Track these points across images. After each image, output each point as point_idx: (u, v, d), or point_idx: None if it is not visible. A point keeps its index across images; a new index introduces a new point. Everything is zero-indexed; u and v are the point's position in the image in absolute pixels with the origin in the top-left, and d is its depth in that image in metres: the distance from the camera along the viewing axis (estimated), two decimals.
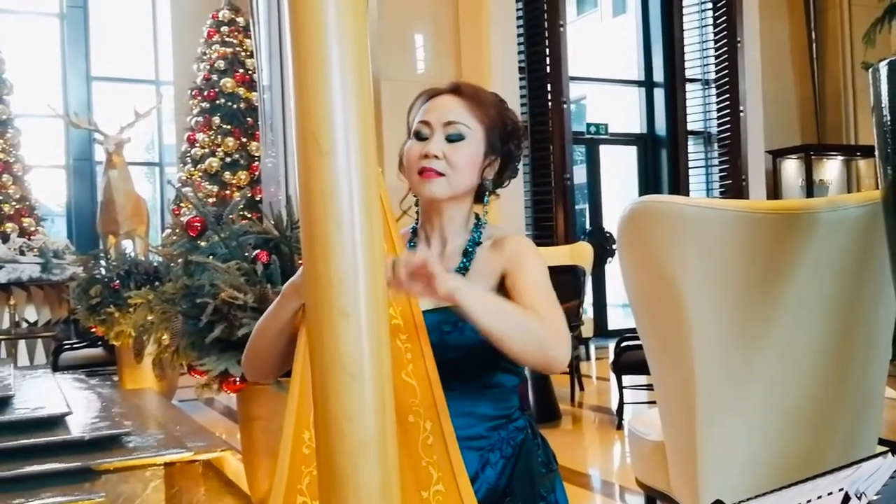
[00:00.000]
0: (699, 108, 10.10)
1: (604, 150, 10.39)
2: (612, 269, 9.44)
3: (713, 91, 10.01)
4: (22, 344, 7.30)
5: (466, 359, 1.44)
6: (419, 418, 1.31)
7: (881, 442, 2.26)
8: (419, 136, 1.49)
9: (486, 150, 1.51)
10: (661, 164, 10.17)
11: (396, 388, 0.86)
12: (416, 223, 1.59)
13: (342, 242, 0.77)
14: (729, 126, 9.81)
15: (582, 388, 6.19)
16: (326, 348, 0.77)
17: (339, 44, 0.78)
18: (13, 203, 8.32)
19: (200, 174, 8.81)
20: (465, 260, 1.50)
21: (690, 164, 9.99)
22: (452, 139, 1.47)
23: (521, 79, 8.72)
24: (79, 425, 2.78)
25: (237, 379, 2.58)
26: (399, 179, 1.56)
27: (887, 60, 1.61)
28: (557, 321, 1.38)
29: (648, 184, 10.20)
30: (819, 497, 1.11)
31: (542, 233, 8.77)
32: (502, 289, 1.47)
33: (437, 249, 1.53)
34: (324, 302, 0.77)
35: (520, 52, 8.73)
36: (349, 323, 0.77)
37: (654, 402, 2.53)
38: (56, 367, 5.73)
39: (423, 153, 1.46)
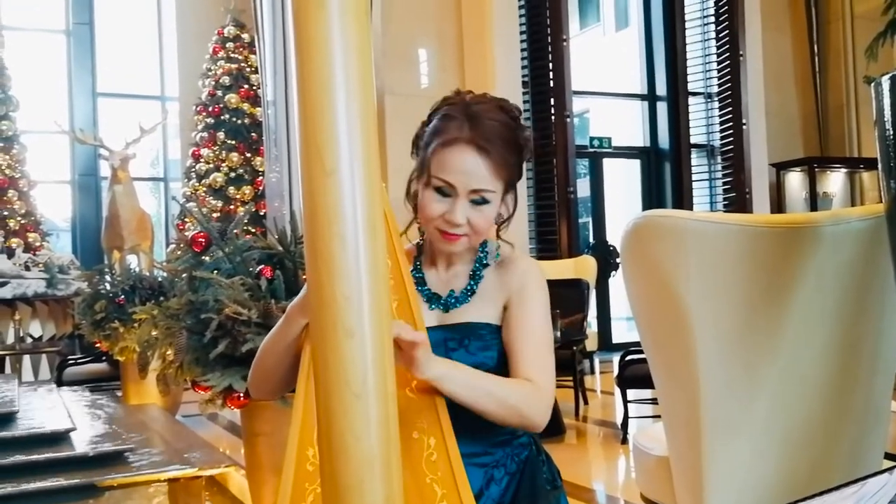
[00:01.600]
0: (702, 122, 10.11)
1: (607, 163, 10.40)
2: (616, 282, 9.43)
3: (716, 104, 10.02)
4: (26, 359, 7.30)
5: None
6: (423, 434, 1.31)
7: (888, 457, 2.25)
8: (441, 192, 1.42)
9: (502, 198, 1.47)
10: (664, 177, 10.17)
11: (400, 404, 0.86)
12: (422, 240, 1.59)
13: (346, 260, 0.77)
14: (732, 139, 9.82)
15: (586, 402, 6.17)
16: (331, 366, 0.77)
17: (344, 60, 0.78)
18: (18, 218, 8.35)
19: (205, 189, 8.84)
20: (472, 283, 1.50)
21: (694, 177, 10.00)
22: (478, 203, 1.43)
23: (524, 93, 8.75)
24: (83, 441, 2.77)
25: (241, 394, 2.58)
26: (405, 206, 1.52)
27: (889, 75, 1.61)
28: (543, 379, 1.41)
29: (652, 197, 10.21)
30: None
31: (546, 246, 8.78)
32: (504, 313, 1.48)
33: (444, 269, 1.54)
34: (328, 320, 0.77)
35: (523, 67, 8.76)
36: (353, 341, 0.77)
37: (658, 416, 2.52)
38: (60, 383, 5.73)
39: (447, 219, 1.42)
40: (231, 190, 8.81)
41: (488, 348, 1.44)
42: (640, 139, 10.44)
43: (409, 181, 1.51)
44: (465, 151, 1.41)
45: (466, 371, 1.36)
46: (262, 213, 7.72)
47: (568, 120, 8.71)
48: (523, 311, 1.45)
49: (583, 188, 10.13)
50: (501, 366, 1.45)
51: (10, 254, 7.97)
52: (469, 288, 1.50)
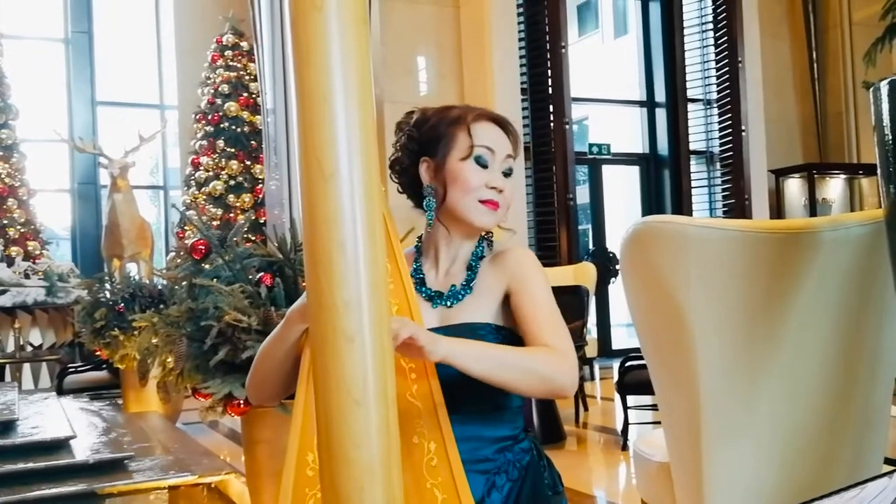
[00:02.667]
0: (701, 128, 10.13)
1: (606, 170, 10.41)
2: (616, 289, 9.43)
3: (715, 111, 10.04)
4: (27, 367, 7.30)
5: (471, 379, 1.44)
6: (423, 439, 1.31)
7: (887, 461, 2.25)
8: (480, 162, 1.50)
9: None
10: (663, 183, 10.19)
11: (401, 409, 0.86)
12: (420, 241, 1.60)
13: (346, 266, 0.77)
14: (731, 145, 9.83)
15: (586, 409, 6.17)
16: (330, 372, 0.77)
17: (342, 67, 0.78)
18: (18, 227, 8.34)
19: (205, 197, 8.84)
20: (470, 273, 1.51)
21: (693, 183, 10.01)
22: (507, 174, 1.52)
23: (523, 100, 8.76)
24: (83, 449, 2.77)
25: (241, 402, 2.58)
26: (429, 184, 1.54)
27: (888, 80, 1.62)
28: (562, 343, 1.40)
29: (651, 204, 10.22)
30: None
31: (546, 253, 8.78)
32: (506, 304, 1.48)
33: (445, 267, 1.55)
34: (327, 325, 0.77)
35: (522, 74, 8.77)
36: (353, 347, 0.77)
37: (659, 423, 2.52)
38: (60, 391, 5.72)
39: (491, 185, 1.49)
40: (231, 198, 8.81)
41: None
42: (639, 146, 10.45)
43: (434, 164, 1.53)
44: (491, 124, 1.54)
45: (476, 344, 1.36)
46: (261, 221, 7.72)
47: (567, 127, 8.72)
48: (527, 289, 1.47)
49: (582, 195, 10.14)
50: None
51: (10, 262, 7.97)
52: (468, 279, 1.51)
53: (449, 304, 1.50)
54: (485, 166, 1.49)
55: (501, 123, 1.55)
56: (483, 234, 1.57)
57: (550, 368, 1.36)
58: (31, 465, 2.54)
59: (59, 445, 2.72)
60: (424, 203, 1.54)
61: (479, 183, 1.48)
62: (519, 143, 1.57)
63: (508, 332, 1.47)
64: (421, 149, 1.54)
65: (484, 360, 1.32)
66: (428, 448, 1.30)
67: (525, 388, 1.36)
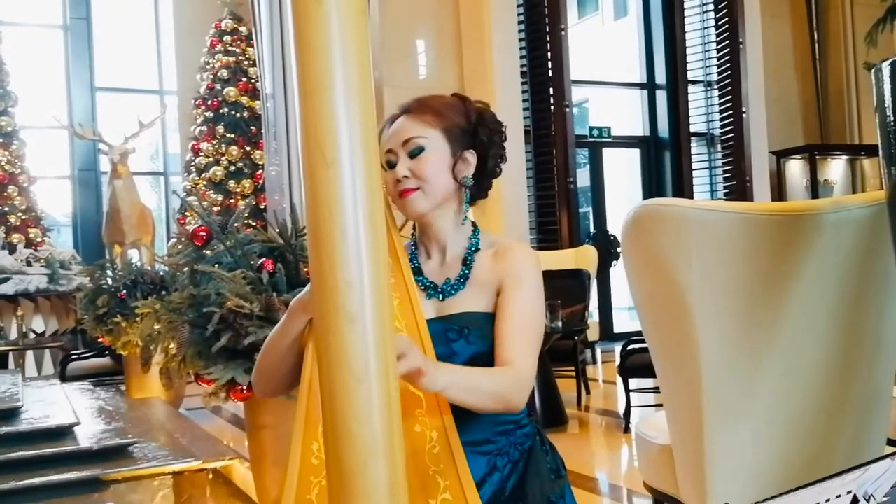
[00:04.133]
0: (702, 110, 10.10)
1: (607, 153, 10.39)
2: (618, 272, 9.44)
3: (715, 92, 10.01)
4: (30, 354, 7.31)
5: (472, 365, 1.45)
6: (425, 428, 1.32)
7: (890, 443, 2.26)
8: (390, 165, 1.53)
9: (451, 150, 1.52)
10: (664, 166, 10.17)
11: (403, 398, 0.87)
12: (414, 236, 1.61)
13: (347, 249, 0.79)
14: (732, 127, 9.81)
15: (588, 392, 6.18)
16: (333, 352, 0.79)
17: (342, 54, 0.79)
18: (19, 214, 8.34)
19: (205, 183, 8.83)
20: (464, 268, 1.52)
21: (694, 165, 10.00)
22: (414, 154, 1.51)
23: (523, 83, 8.74)
24: (87, 435, 2.78)
25: (244, 387, 2.59)
26: (394, 209, 1.59)
27: (890, 60, 1.61)
28: (523, 361, 1.42)
29: (652, 186, 10.21)
30: (827, 500, 1.11)
31: (547, 237, 8.78)
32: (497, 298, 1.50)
33: (438, 259, 1.56)
34: (330, 306, 0.79)
35: (521, 57, 8.75)
36: (355, 327, 0.79)
37: (661, 405, 2.53)
38: (64, 378, 5.75)
39: (395, 179, 1.50)
40: (231, 183, 8.80)
41: (486, 337, 1.45)
42: (639, 128, 10.43)
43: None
44: (397, 121, 1.55)
45: (465, 373, 1.37)
46: (262, 207, 7.72)
47: (567, 110, 8.70)
48: (512, 294, 1.47)
49: (583, 178, 10.13)
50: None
51: (12, 249, 7.97)
52: (462, 274, 1.51)
53: (442, 297, 1.51)
54: (394, 164, 1.52)
55: (405, 110, 1.55)
56: (472, 223, 1.57)
57: (512, 393, 1.39)
58: (35, 451, 2.56)
59: (64, 432, 2.73)
60: None
61: (392, 181, 1.52)
62: (430, 110, 1.53)
63: None
64: None
65: (473, 392, 1.34)
66: (430, 436, 1.31)
67: (480, 408, 1.38)
